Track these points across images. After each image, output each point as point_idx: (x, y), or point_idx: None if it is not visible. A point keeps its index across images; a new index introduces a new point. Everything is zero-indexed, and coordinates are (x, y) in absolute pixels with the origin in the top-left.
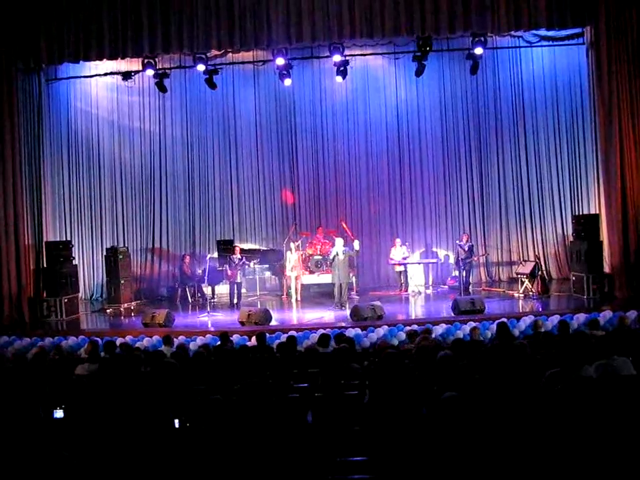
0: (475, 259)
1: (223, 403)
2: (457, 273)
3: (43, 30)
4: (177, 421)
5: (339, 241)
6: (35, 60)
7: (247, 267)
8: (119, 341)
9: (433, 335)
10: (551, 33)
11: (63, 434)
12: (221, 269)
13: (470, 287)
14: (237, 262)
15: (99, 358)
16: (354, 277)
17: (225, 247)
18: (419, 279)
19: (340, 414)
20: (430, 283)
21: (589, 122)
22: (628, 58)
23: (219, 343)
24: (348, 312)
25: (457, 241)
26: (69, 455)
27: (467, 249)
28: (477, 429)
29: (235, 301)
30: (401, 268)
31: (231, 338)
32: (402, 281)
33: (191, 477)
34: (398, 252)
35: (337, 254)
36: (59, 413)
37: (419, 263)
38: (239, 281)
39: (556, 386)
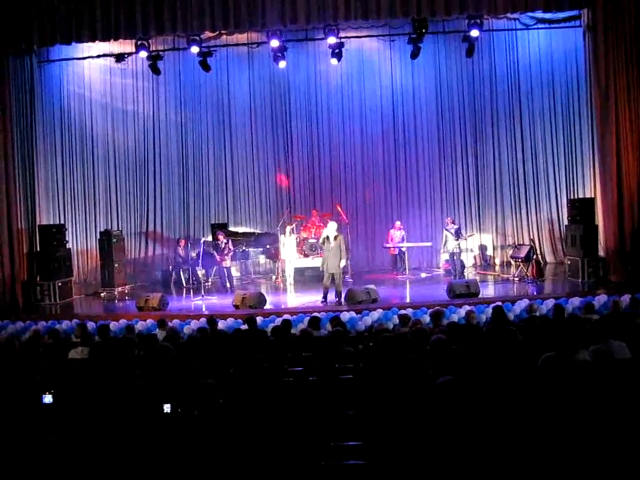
0: (464, 238)
1: (216, 387)
2: (446, 256)
3: (34, 11)
4: (168, 406)
5: (332, 225)
6: (27, 42)
7: (233, 251)
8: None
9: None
10: (547, 16)
11: (51, 419)
12: (211, 252)
13: (464, 270)
14: (222, 247)
15: (92, 341)
16: (349, 261)
17: (212, 232)
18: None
19: (334, 398)
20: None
21: (585, 105)
22: (625, 41)
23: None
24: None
25: (445, 226)
26: (58, 441)
27: (453, 232)
28: (472, 414)
29: (228, 285)
30: (396, 250)
31: (225, 321)
32: (398, 265)
33: (183, 462)
34: (397, 235)
35: (327, 238)
36: (47, 398)
37: (414, 246)
38: (227, 265)
39: (551, 369)
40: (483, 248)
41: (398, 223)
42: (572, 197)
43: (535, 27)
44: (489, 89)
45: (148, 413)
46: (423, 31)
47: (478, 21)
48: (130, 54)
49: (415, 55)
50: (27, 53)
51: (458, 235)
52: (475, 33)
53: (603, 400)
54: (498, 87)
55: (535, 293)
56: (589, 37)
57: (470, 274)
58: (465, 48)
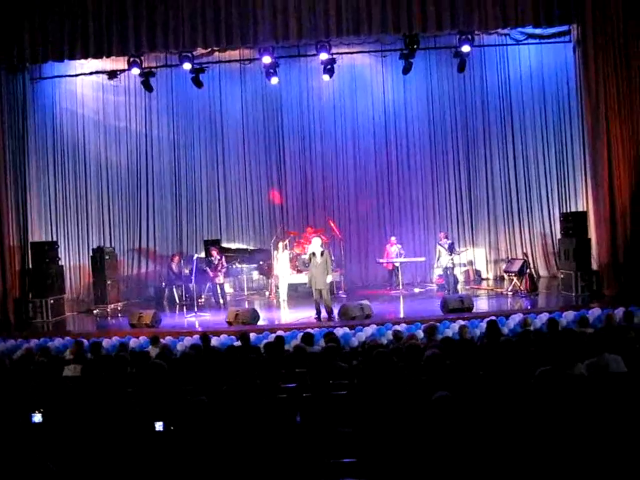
0: (457, 253)
1: (209, 404)
2: (439, 271)
3: (27, 28)
4: (161, 424)
5: (316, 241)
6: (19, 58)
7: (227, 268)
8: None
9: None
10: (538, 31)
11: (41, 438)
12: (204, 269)
13: (458, 284)
14: (215, 263)
15: (84, 359)
16: (342, 277)
17: (205, 248)
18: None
19: (328, 414)
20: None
21: (576, 119)
22: (614, 55)
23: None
24: (335, 315)
25: (438, 241)
26: (51, 465)
27: (446, 247)
28: (468, 429)
29: (221, 301)
30: (391, 266)
31: (218, 338)
32: (394, 280)
33: None
34: (393, 250)
35: (314, 254)
36: (37, 417)
37: (408, 262)
38: (220, 282)
39: (547, 384)
40: (476, 262)
41: (393, 238)
42: (564, 211)
43: (526, 42)
44: (480, 103)
45: (140, 431)
46: (415, 46)
47: (469, 36)
48: (122, 71)
49: (406, 70)
50: (19, 70)
51: (451, 249)
52: (466, 48)
53: (599, 414)
54: (489, 102)
55: (529, 307)
56: (579, 51)
57: (463, 289)
58: (457, 63)
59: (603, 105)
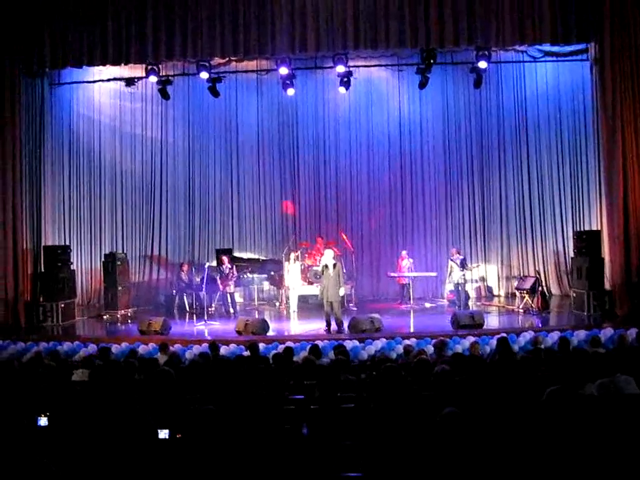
0: (469, 269)
1: (216, 413)
2: (450, 287)
3: (47, 34)
4: (166, 432)
5: (329, 252)
6: (39, 64)
7: (237, 277)
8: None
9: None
10: (555, 49)
11: (46, 442)
12: (215, 278)
13: (469, 300)
14: (226, 272)
15: (92, 364)
16: (353, 289)
17: (217, 257)
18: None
19: (335, 427)
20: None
21: (591, 138)
22: (632, 75)
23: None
24: (345, 327)
25: (450, 256)
26: (52, 466)
27: (458, 262)
28: (475, 447)
29: (231, 310)
30: (406, 280)
31: (227, 347)
32: (404, 294)
33: None
34: (405, 264)
35: (327, 266)
36: (43, 421)
37: (419, 276)
38: (230, 291)
39: (557, 403)
40: (488, 279)
41: (404, 253)
42: (578, 229)
43: (543, 59)
44: (496, 120)
45: (145, 438)
46: (432, 61)
47: (486, 52)
48: (140, 78)
49: (422, 85)
50: (38, 75)
51: (463, 265)
52: (482, 64)
53: (610, 436)
54: (505, 119)
55: (540, 325)
56: (596, 70)
57: (474, 305)
58: (473, 79)
59: (619, 125)
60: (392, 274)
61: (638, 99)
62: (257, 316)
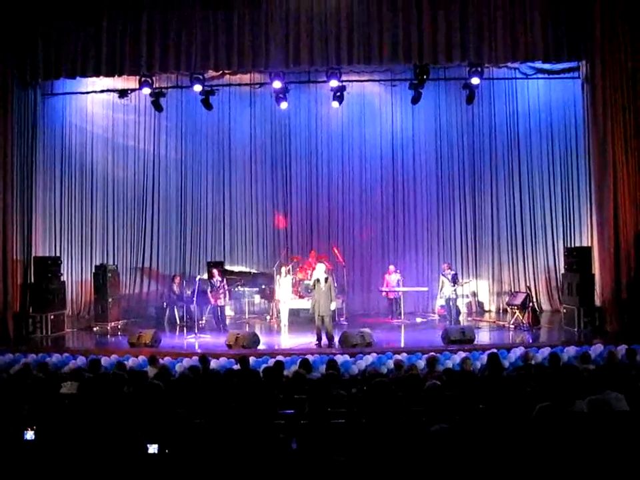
0: (461, 284)
1: (205, 427)
2: (442, 302)
3: (41, 44)
4: (155, 446)
5: (320, 267)
6: (32, 74)
7: (229, 290)
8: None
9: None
10: (547, 66)
11: (32, 456)
12: (206, 291)
13: (460, 316)
14: (217, 285)
15: (81, 376)
16: (344, 304)
17: (208, 270)
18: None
19: (325, 442)
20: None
21: (582, 155)
22: (622, 92)
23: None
24: (336, 342)
25: (442, 272)
26: None
27: (450, 277)
28: (465, 463)
29: (221, 324)
30: (396, 295)
31: (217, 361)
32: (394, 309)
33: None
34: (393, 278)
35: (318, 280)
36: (29, 435)
37: (410, 291)
38: (221, 304)
39: (547, 420)
40: (478, 294)
41: (392, 267)
42: (569, 246)
43: (535, 76)
44: (488, 136)
45: (134, 452)
46: (425, 76)
47: (479, 69)
48: (133, 90)
49: (415, 100)
50: (31, 85)
51: (454, 280)
52: (475, 80)
53: (599, 452)
54: (497, 135)
55: (531, 341)
56: (587, 88)
57: (465, 320)
58: (465, 95)
59: (610, 142)
60: (383, 289)
61: (628, 116)
62: (247, 329)
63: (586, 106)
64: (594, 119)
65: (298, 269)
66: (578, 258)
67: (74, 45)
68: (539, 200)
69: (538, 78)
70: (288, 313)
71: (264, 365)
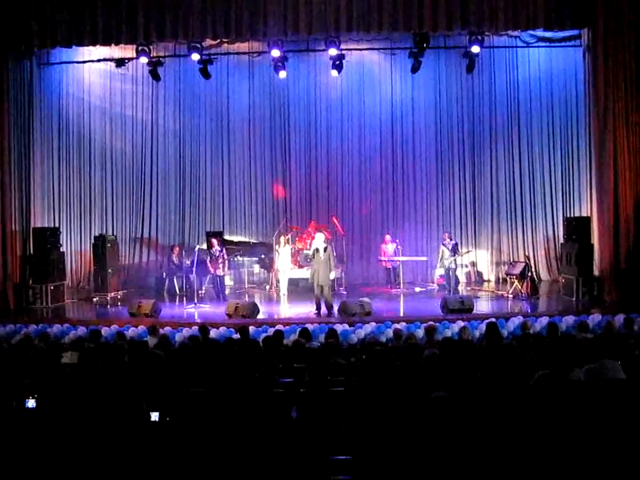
0: (460, 254)
1: (205, 396)
2: (441, 271)
3: (35, 13)
4: (156, 414)
5: (319, 236)
6: (27, 44)
7: (228, 260)
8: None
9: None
10: (548, 34)
11: (34, 424)
12: (205, 260)
13: (459, 285)
14: (216, 254)
15: (82, 346)
16: (343, 273)
17: (207, 240)
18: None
19: (325, 410)
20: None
21: (583, 124)
22: (624, 62)
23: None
24: (335, 311)
25: (443, 241)
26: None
27: (450, 247)
28: (464, 430)
29: (220, 294)
30: (394, 264)
31: (217, 330)
32: (392, 278)
33: (170, 473)
34: (389, 248)
35: (317, 250)
36: (31, 403)
37: (409, 261)
38: (220, 274)
39: (545, 388)
40: (477, 264)
41: (388, 237)
42: (568, 215)
43: (536, 45)
44: (488, 105)
45: (135, 420)
46: (425, 45)
47: (479, 37)
48: (130, 59)
49: (415, 69)
50: (27, 55)
51: (454, 250)
52: (475, 49)
53: (596, 420)
54: (497, 104)
55: (529, 311)
56: (589, 56)
57: (464, 290)
58: (466, 64)
59: (610, 112)
60: (382, 258)
61: (629, 85)
62: (247, 299)
63: (587, 75)
64: (594, 88)
65: (297, 239)
66: (577, 228)
67: (69, 14)
68: (539, 169)
69: (539, 46)
70: (287, 282)
71: (263, 334)
